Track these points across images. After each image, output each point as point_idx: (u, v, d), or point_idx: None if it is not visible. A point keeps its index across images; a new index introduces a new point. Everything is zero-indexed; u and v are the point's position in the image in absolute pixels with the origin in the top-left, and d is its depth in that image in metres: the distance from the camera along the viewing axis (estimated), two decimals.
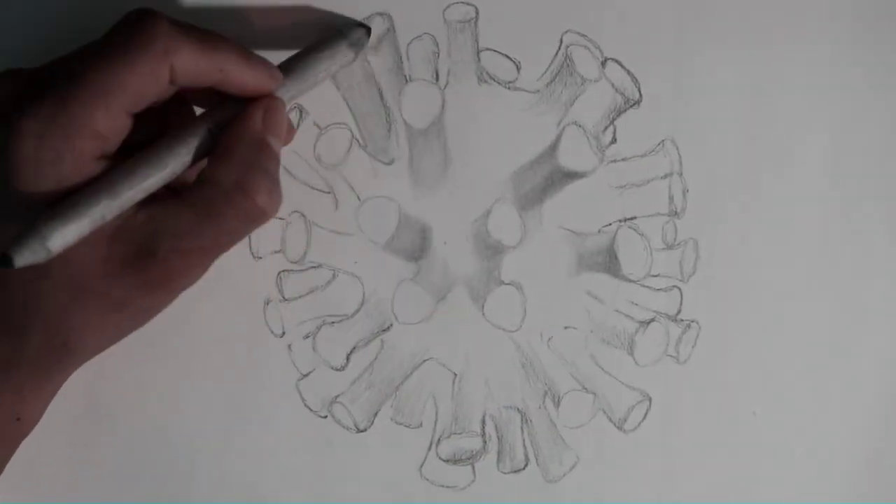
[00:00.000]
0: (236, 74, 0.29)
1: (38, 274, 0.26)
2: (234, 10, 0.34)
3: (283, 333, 0.36)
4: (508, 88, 0.36)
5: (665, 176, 0.37)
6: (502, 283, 0.36)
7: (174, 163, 0.28)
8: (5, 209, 0.26)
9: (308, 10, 0.35)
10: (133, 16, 0.28)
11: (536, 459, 0.37)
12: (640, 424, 0.37)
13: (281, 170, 0.34)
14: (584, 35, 0.36)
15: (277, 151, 0.30)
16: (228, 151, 0.28)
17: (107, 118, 0.26)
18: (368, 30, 0.34)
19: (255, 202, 0.28)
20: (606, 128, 0.36)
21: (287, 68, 0.31)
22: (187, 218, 0.28)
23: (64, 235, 0.24)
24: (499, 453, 0.37)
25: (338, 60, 0.32)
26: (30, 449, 0.33)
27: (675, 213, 0.37)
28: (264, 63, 0.30)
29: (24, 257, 0.23)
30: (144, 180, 0.27)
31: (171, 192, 0.29)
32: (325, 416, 0.36)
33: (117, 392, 0.35)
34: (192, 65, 0.28)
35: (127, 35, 0.27)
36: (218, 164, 0.28)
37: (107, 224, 0.26)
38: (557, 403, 0.37)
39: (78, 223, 0.25)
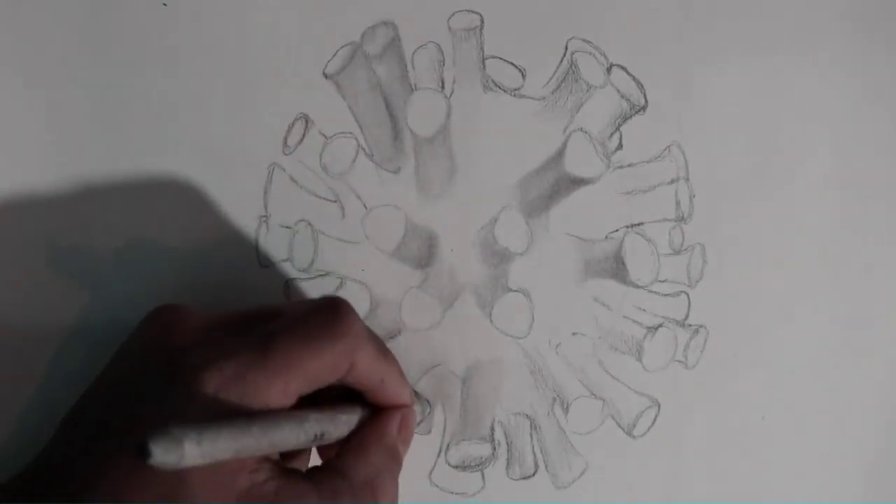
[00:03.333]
0: (392, 386, 0.31)
1: (172, 485, 0.26)
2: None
3: None
4: (514, 96, 0.36)
5: (671, 181, 0.37)
6: (510, 290, 0.36)
7: (310, 435, 0.29)
8: (165, 410, 0.27)
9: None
10: (332, 304, 0.29)
11: (546, 466, 0.37)
12: (649, 430, 0.37)
13: (287, 178, 0.35)
14: (588, 42, 0.36)
15: (403, 458, 0.32)
16: (365, 451, 0.30)
17: (280, 395, 0.27)
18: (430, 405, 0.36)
19: (378, 502, 0.30)
20: (612, 134, 0.36)
21: None
22: (311, 499, 0.28)
23: (199, 449, 0.24)
24: (508, 460, 0.37)
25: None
26: None
27: (682, 218, 0.37)
28: (408, 383, 0.33)
29: (159, 454, 0.23)
30: (283, 439, 0.27)
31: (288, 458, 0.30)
32: None
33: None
34: (366, 368, 0.29)
35: (323, 324, 0.28)
36: (353, 460, 0.30)
37: (239, 482, 0.26)
38: (566, 410, 0.37)
39: (213, 443, 0.25)
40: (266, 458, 0.27)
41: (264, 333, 0.28)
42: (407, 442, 0.32)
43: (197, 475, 0.25)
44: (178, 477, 0.25)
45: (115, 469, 0.26)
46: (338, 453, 0.30)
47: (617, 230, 0.37)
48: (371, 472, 0.30)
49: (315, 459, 0.32)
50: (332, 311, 0.29)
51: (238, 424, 0.25)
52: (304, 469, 0.31)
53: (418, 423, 0.35)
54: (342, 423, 0.30)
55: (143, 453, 0.23)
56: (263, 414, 0.27)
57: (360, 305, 0.36)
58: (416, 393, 0.35)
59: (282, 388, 0.27)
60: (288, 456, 0.30)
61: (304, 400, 0.29)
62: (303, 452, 0.32)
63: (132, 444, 0.23)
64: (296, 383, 0.27)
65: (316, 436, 0.29)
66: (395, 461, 0.31)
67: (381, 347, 0.31)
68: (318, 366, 0.28)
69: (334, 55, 0.35)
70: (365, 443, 0.30)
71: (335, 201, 0.36)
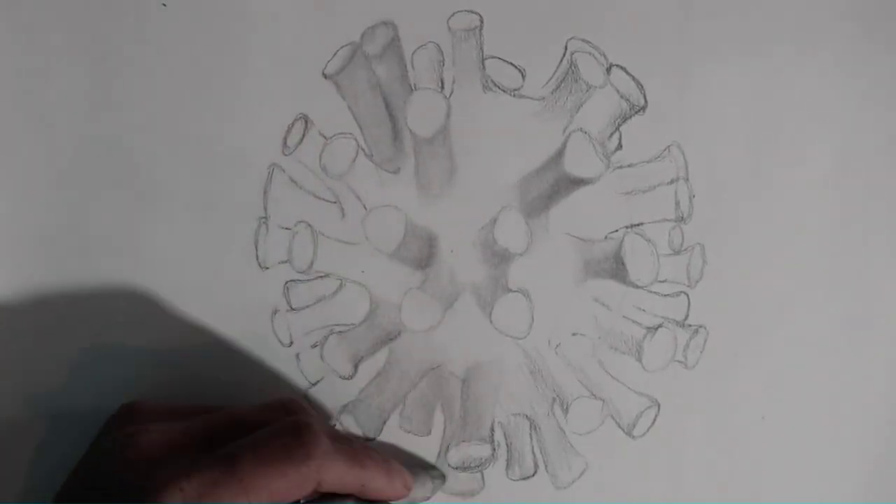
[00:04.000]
0: (375, 488, 0.31)
1: None
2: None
3: (291, 343, 0.36)
4: (513, 96, 0.36)
5: (671, 181, 0.37)
6: (509, 290, 0.36)
7: None
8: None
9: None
10: (294, 428, 0.29)
11: (546, 466, 0.37)
12: (648, 430, 0.37)
13: (286, 179, 0.35)
14: (588, 42, 0.36)
15: None
16: None
17: None
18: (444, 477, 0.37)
19: None
20: (612, 134, 0.36)
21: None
22: None
23: None
24: (508, 460, 0.37)
25: (422, 492, 0.35)
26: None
27: (682, 218, 0.37)
28: (400, 474, 0.33)
29: None
30: None
31: None
32: (334, 425, 0.36)
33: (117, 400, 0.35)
34: (337, 480, 0.30)
35: (285, 447, 0.28)
36: None
37: None
38: (566, 410, 0.37)
39: None
40: None
41: (226, 454, 0.28)
42: None
43: None
44: None
45: None
46: None
47: (617, 230, 0.37)
48: None
49: None
50: (294, 434, 0.29)
51: None
52: None
53: (428, 498, 0.36)
54: None
55: None
56: None
57: (360, 306, 0.36)
58: (430, 468, 0.36)
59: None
60: None
61: None
62: None
63: None
64: (259, 500, 0.27)
65: None
66: None
67: (353, 457, 0.30)
68: (283, 486, 0.28)
69: (334, 55, 0.35)
70: None
71: (335, 202, 0.35)
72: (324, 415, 0.35)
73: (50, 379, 0.34)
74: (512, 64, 0.36)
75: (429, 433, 0.36)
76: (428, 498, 0.35)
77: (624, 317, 0.37)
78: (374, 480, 0.31)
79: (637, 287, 0.37)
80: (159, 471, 0.27)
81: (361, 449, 0.32)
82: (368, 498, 0.31)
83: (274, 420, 0.30)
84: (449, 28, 0.35)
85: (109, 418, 0.31)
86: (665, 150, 0.36)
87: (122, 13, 0.34)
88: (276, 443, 0.28)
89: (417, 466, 0.36)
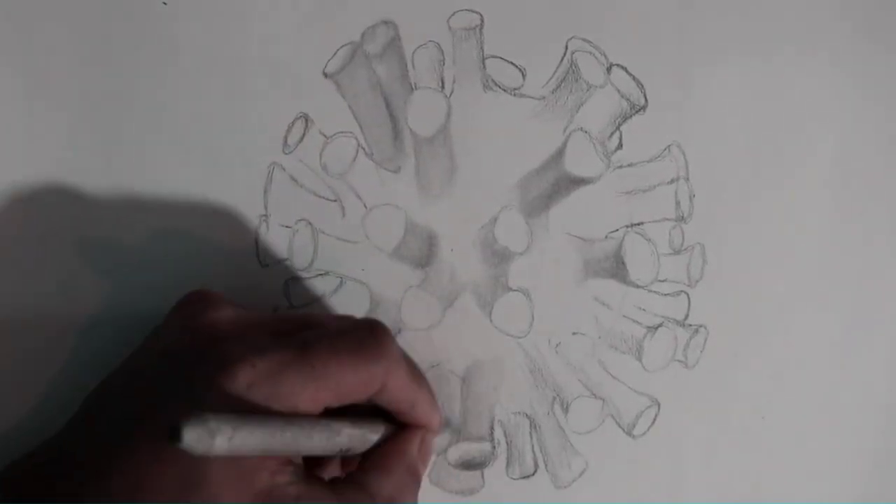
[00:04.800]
0: (422, 411, 0.31)
1: (192, 474, 0.26)
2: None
3: None
4: (514, 95, 0.36)
5: (671, 181, 0.37)
6: (510, 289, 0.36)
7: (336, 447, 0.29)
8: (192, 397, 0.26)
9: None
10: (371, 325, 0.30)
11: (545, 465, 0.37)
12: (648, 430, 0.37)
13: (287, 178, 0.35)
14: (588, 41, 0.36)
15: (421, 478, 0.32)
16: (388, 469, 0.30)
17: (311, 400, 0.27)
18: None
19: None
20: (612, 133, 0.36)
21: None
22: None
23: (229, 443, 0.24)
24: (508, 459, 0.37)
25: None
26: None
27: (682, 217, 0.37)
28: (440, 410, 0.33)
29: (191, 440, 0.23)
30: (312, 447, 0.27)
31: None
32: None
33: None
34: (398, 391, 0.30)
35: (360, 341, 0.29)
36: (377, 477, 0.30)
37: (260, 481, 0.26)
38: (566, 409, 0.37)
39: (245, 439, 0.25)
40: (289, 461, 0.27)
41: (301, 339, 0.28)
42: (426, 462, 0.32)
43: (218, 467, 0.25)
44: (199, 467, 0.25)
45: (137, 452, 0.26)
46: (360, 467, 0.30)
47: (617, 230, 0.37)
48: (393, 489, 0.30)
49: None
50: (370, 331, 0.29)
51: (273, 425, 0.25)
52: (324, 476, 0.31)
53: (444, 451, 0.36)
54: (367, 438, 0.30)
55: (175, 436, 0.22)
56: (298, 419, 0.27)
57: (360, 305, 0.36)
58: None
59: (312, 395, 0.27)
60: (310, 462, 0.30)
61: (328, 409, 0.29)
62: (325, 460, 0.32)
63: (157, 428, 0.23)
64: (326, 393, 0.28)
65: (342, 449, 0.29)
66: (416, 480, 0.31)
67: (414, 373, 0.31)
68: (351, 381, 0.28)
69: (334, 54, 0.35)
70: (388, 460, 0.30)
71: (335, 201, 0.36)
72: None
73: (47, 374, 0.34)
74: (512, 63, 0.36)
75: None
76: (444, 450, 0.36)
77: (624, 316, 0.37)
78: (424, 402, 0.31)
79: (637, 286, 0.37)
80: (233, 345, 0.27)
81: (418, 370, 0.32)
82: (408, 421, 0.31)
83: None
84: (449, 27, 0.35)
85: (178, 302, 0.30)
86: (665, 149, 0.36)
87: (123, 12, 0.34)
88: (353, 336, 0.29)
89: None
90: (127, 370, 0.30)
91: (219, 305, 0.30)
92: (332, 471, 0.33)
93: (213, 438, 0.23)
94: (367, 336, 0.29)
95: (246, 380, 0.26)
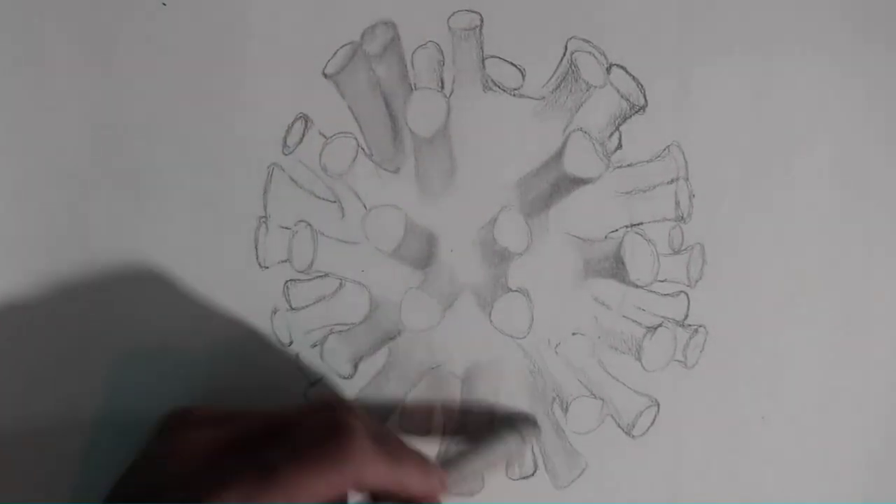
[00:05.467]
0: (413, 486, 0.31)
1: None
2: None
3: (291, 342, 0.36)
4: (513, 95, 0.36)
5: (671, 181, 0.37)
6: (509, 289, 0.36)
7: None
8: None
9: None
10: (333, 427, 0.29)
11: (545, 466, 0.37)
12: (648, 430, 0.37)
13: (286, 179, 0.35)
14: (588, 41, 0.36)
15: None
16: None
17: None
18: (536, 423, 0.37)
19: None
20: (612, 134, 0.36)
21: (454, 463, 0.34)
22: None
23: None
24: (507, 460, 0.37)
25: (507, 451, 0.35)
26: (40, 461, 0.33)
27: (682, 218, 0.37)
28: (436, 472, 0.32)
29: None
30: None
31: None
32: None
33: (126, 399, 0.35)
34: (376, 479, 0.29)
35: (325, 446, 0.29)
36: None
37: None
38: (566, 409, 0.37)
39: None
40: None
41: (266, 461, 0.28)
42: None
43: None
44: None
45: None
46: None
47: (616, 230, 0.37)
48: None
49: None
50: (331, 437, 0.29)
51: None
52: None
53: (523, 455, 0.36)
54: None
55: None
56: None
57: (360, 306, 0.36)
58: (515, 422, 0.36)
59: None
60: None
61: None
62: None
63: None
64: (300, 501, 0.28)
65: None
66: None
67: (391, 456, 0.30)
68: (322, 488, 0.28)
69: (334, 55, 0.35)
70: None
71: (335, 201, 0.35)
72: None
73: (45, 377, 0.34)
74: (512, 63, 0.36)
75: (429, 433, 0.36)
76: (523, 451, 0.36)
77: (624, 316, 0.37)
78: (411, 478, 0.31)
79: (637, 287, 0.37)
80: (198, 481, 0.28)
81: (399, 446, 0.32)
82: (406, 497, 0.31)
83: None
84: (449, 27, 0.35)
85: (161, 422, 0.31)
86: (665, 149, 0.36)
87: (123, 13, 0.34)
88: (314, 446, 0.29)
89: (502, 426, 0.36)
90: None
91: (198, 425, 0.30)
92: None
93: None
94: (328, 441, 0.29)
95: None
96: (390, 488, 0.30)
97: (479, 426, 0.36)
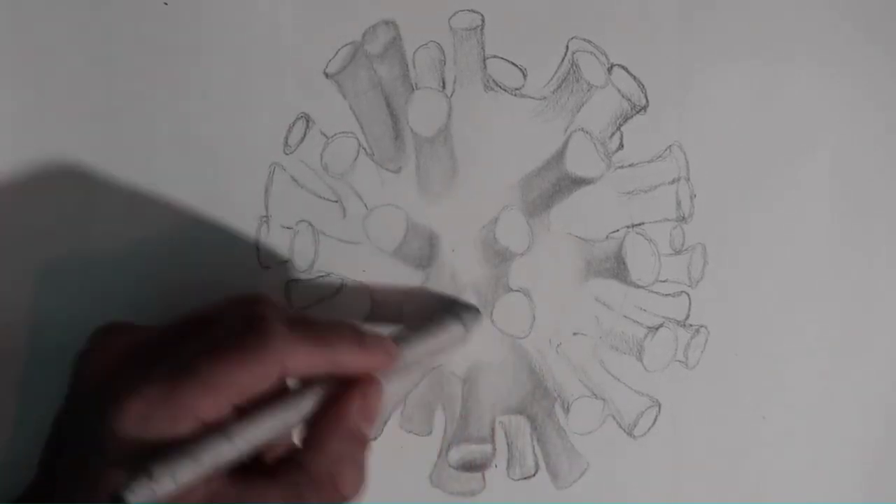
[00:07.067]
0: (349, 363, 0.30)
1: None
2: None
3: None
4: (515, 95, 0.36)
5: (672, 181, 0.37)
6: (510, 289, 0.36)
7: (274, 429, 0.28)
8: (112, 455, 0.27)
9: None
10: (249, 312, 0.29)
11: (546, 466, 0.37)
12: (649, 430, 0.37)
13: (287, 178, 0.35)
14: (589, 41, 0.36)
15: (369, 437, 0.31)
16: (322, 442, 0.29)
17: (212, 408, 0.27)
18: (478, 311, 0.36)
19: (340, 492, 0.29)
20: (613, 134, 0.36)
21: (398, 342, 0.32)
22: (274, 498, 0.28)
23: (170, 479, 0.26)
24: (508, 460, 0.37)
25: (449, 339, 0.34)
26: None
27: (683, 218, 0.37)
28: (379, 343, 0.31)
29: (136, 496, 0.25)
30: (218, 458, 0.27)
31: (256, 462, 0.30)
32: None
33: None
34: (304, 363, 0.29)
35: (241, 336, 0.28)
36: (311, 453, 0.29)
37: (199, 493, 0.27)
38: (567, 410, 0.37)
39: (180, 470, 0.26)
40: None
41: (186, 354, 0.28)
42: (371, 418, 0.30)
43: None
44: None
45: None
46: (302, 441, 0.30)
47: (618, 230, 0.37)
48: (329, 462, 0.29)
49: None
50: (247, 327, 0.28)
51: (195, 450, 0.26)
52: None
53: (474, 326, 0.35)
54: (301, 408, 0.29)
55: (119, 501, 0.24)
56: (213, 431, 0.27)
57: (361, 306, 0.36)
58: (457, 307, 0.35)
59: (211, 403, 0.27)
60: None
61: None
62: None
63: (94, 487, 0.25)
64: (224, 398, 0.27)
65: (248, 449, 0.28)
66: (358, 444, 0.30)
67: (317, 338, 0.29)
68: (247, 379, 0.27)
69: (335, 55, 0.35)
70: (321, 431, 0.29)
71: (336, 201, 0.35)
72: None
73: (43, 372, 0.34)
74: (513, 63, 0.36)
75: (430, 433, 0.36)
76: (463, 339, 0.35)
77: (625, 316, 0.37)
78: (345, 355, 0.29)
79: (638, 287, 0.37)
80: (119, 381, 0.27)
81: (328, 327, 0.30)
82: (347, 375, 0.30)
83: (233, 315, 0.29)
84: (450, 27, 0.35)
85: (79, 351, 0.30)
86: (666, 149, 0.36)
87: (123, 13, 0.34)
88: (230, 338, 0.28)
89: (442, 310, 0.35)
90: (59, 414, 0.30)
91: (110, 340, 0.30)
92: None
93: (154, 490, 0.25)
94: (244, 331, 0.28)
95: (140, 410, 0.26)
96: (325, 370, 0.29)
97: (420, 314, 0.36)
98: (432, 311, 0.35)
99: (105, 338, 0.30)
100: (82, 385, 0.29)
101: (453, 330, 0.34)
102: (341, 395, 0.30)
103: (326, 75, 0.35)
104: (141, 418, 0.26)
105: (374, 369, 0.30)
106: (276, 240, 0.35)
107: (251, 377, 0.28)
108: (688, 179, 0.37)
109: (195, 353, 0.28)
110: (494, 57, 0.36)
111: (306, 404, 0.29)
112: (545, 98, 0.36)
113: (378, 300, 0.36)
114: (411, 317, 0.36)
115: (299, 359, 0.28)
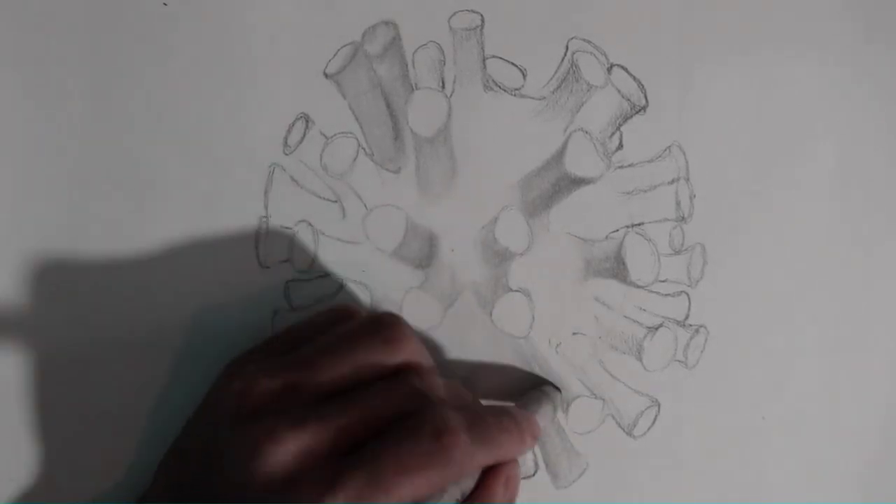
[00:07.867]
0: (511, 456, 0.31)
1: None
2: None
3: None
4: (514, 95, 0.36)
5: (672, 181, 0.37)
6: (510, 289, 0.36)
7: None
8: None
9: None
10: (437, 431, 0.28)
11: (546, 466, 0.37)
12: (649, 430, 0.37)
13: (287, 179, 0.35)
14: (589, 41, 0.36)
15: None
16: None
17: None
18: (560, 392, 0.37)
19: None
20: (613, 134, 0.36)
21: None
22: None
23: None
24: None
25: (553, 403, 0.35)
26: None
27: (683, 218, 0.37)
28: (529, 427, 0.32)
29: None
30: None
31: None
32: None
33: (123, 403, 0.35)
34: (476, 468, 0.29)
35: (429, 452, 0.28)
36: None
37: None
38: (566, 409, 0.37)
39: None
40: None
41: (369, 464, 0.27)
42: (515, 496, 0.31)
43: None
44: None
45: None
46: None
47: (617, 230, 0.37)
48: None
49: None
50: (435, 439, 0.28)
51: None
52: None
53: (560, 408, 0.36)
54: (454, 489, 0.30)
55: None
56: None
57: (361, 306, 0.36)
58: (542, 387, 0.36)
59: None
60: None
61: None
62: None
63: None
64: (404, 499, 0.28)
65: None
66: None
67: (486, 438, 0.29)
68: (425, 489, 0.28)
69: (335, 55, 0.35)
70: None
71: (336, 201, 0.35)
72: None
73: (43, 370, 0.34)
74: (513, 63, 0.36)
75: None
76: (552, 420, 0.35)
77: (624, 316, 0.37)
78: (509, 452, 0.30)
79: (638, 287, 0.37)
80: (303, 488, 0.27)
81: (495, 425, 0.30)
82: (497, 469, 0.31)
83: (397, 391, 0.29)
84: (450, 27, 0.35)
85: (212, 386, 0.30)
86: (666, 149, 0.36)
87: (123, 13, 0.34)
88: (419, 450, 0.28)
89: (530, 397, 0.35)
90: (178, 451, 0.30)
91: (250, 385, 0.29)
92: None
93: None
94: (432, 445, 0.28)
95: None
96: (487, 465, 0.30)
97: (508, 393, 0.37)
98: (520, 385, 0.36)
99: (239, 385, 0.29)
100: (224, 419, 0.29)
101: (551, 394, 0.35)
102: (486, 481, 0.31)
103: (326, 75, 0.35)
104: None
105: (521, 454, 0.31)
106: (276, 240, 0.35)
107: (430, 487, 0.28)
108: (687, 179, 0.37)
109: (382, 462, 0.27)
110: (494, 57, 0.36)
111: (467, 483, 0.30)
112: (545, 98, 0.36)
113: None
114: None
115: (474, 466, 0.29)
